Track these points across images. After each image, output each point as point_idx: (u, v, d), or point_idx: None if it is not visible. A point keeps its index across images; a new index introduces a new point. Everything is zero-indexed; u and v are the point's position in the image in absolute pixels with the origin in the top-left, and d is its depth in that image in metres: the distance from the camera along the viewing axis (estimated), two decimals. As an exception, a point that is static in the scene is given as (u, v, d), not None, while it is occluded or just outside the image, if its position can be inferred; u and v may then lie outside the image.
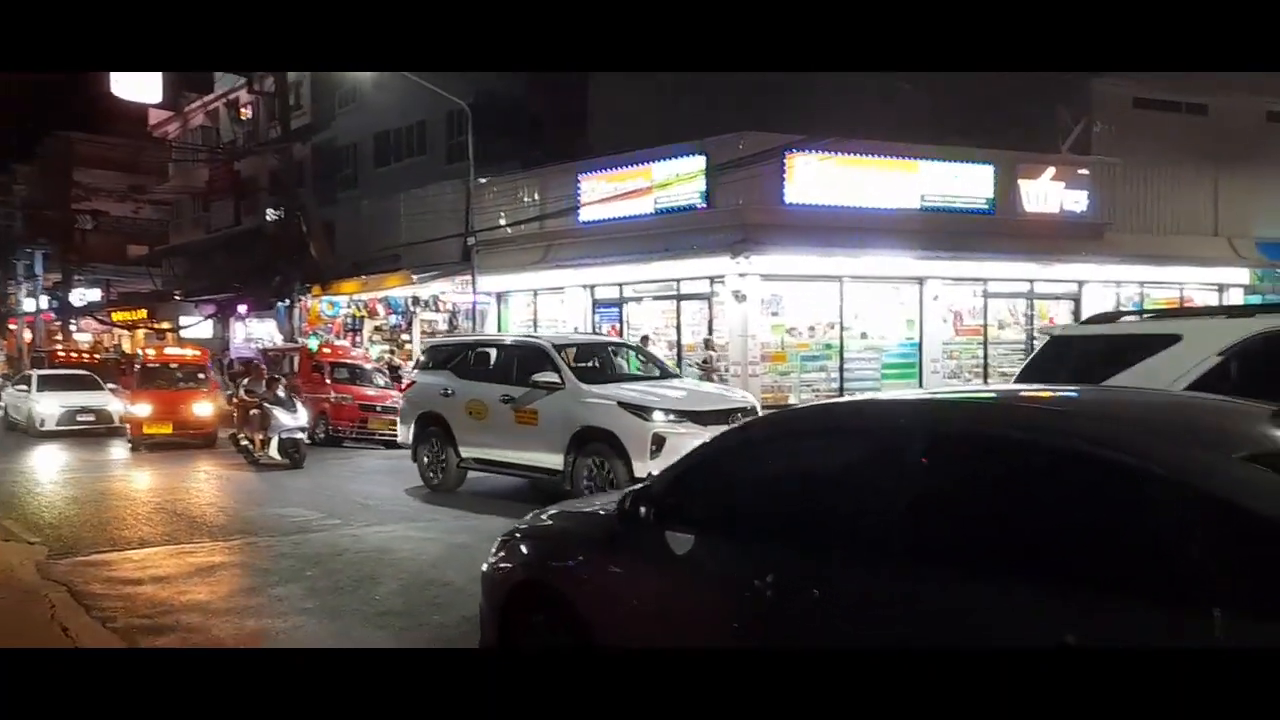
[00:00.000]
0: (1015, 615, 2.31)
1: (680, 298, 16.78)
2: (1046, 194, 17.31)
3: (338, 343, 20.77)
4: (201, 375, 17.38)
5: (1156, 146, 18.81)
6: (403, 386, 13.10)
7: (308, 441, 13.56)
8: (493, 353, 10.74)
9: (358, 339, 22.51)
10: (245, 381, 14.24)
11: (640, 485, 3.55)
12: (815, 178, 15.67)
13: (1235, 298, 19.66)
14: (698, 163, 15.74)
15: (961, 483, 2.69)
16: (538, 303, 19.14)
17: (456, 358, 10.98)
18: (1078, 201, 17.57)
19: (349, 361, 17.83)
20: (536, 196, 18.94)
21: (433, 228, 19.96)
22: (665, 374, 10.89)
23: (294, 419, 12.96)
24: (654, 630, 3.17)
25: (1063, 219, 17.43)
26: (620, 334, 17.41)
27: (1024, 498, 2.55)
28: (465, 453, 10.27)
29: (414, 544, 7.79)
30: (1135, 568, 2.20)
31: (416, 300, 21.55)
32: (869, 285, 16.47)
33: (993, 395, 3.91)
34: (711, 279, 15.94)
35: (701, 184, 15.75)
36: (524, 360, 10.03)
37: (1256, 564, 2.05)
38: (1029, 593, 2.33)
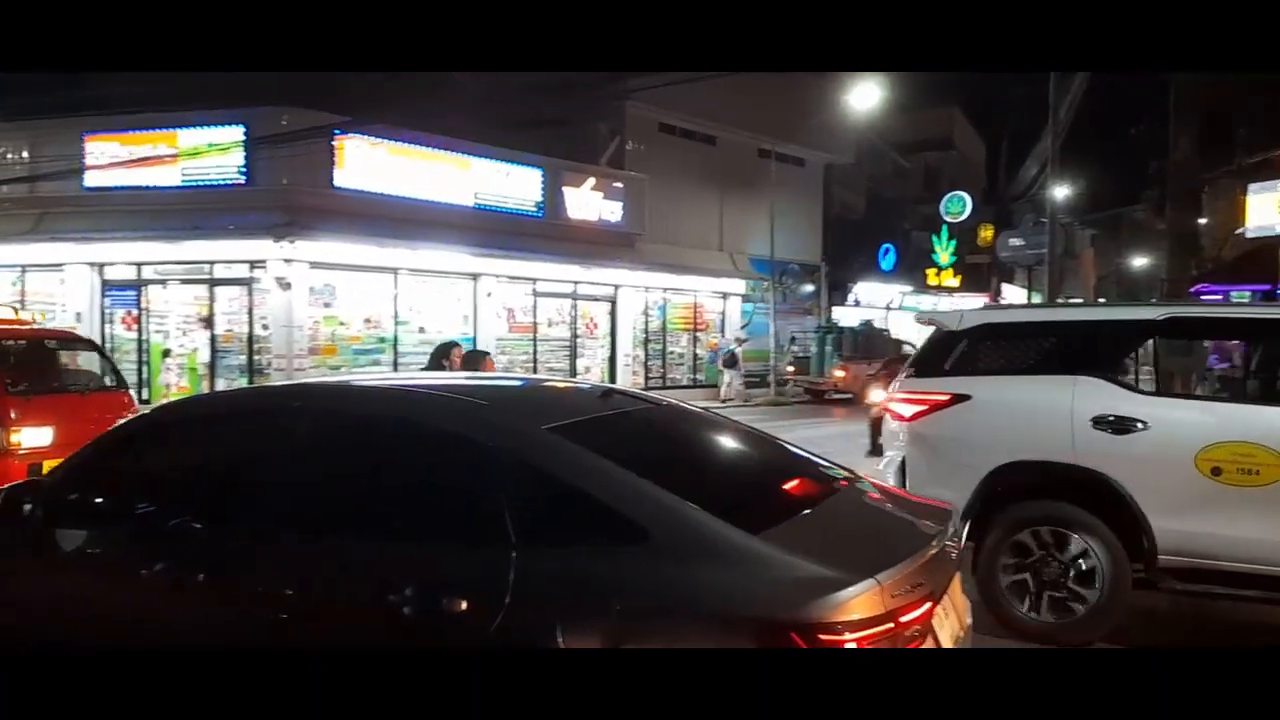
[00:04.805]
0: (381, 569, 2.59)
1: (214, 282, 15.11)
2: (588, 202, 18.78)
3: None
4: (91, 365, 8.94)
5: (677, 168, 21.46)
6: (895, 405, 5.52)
7: None
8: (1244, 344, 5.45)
9: None
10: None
11: (28, 480, 3.38)
12: (367, 164, 15.17)
13: (735, 304, 23.23)
14: (235, 134, 14.30)
15: (340, 458, 2.96)
16: (25, 281, 15.88)
17: (1115, 348, 5.22)
18: (614, 212, 19.34)
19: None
20: (25, 154, 15.72)
21: None
22: None
23: None
24: (50, 629, 3.01)
25: (601, 227, 19.05)
26: (139, 323, 15.19)
27: (389, 467, 2.87)
28: (1175, 550, 4.62)
29: None
30: (473, 521, 2.61)
31: None
32: (425, 279, 16.40)
33: (373, 382, 4.28)
34: (252, 263, 14.60)
35: (240, 158, 14.34)
36: None
37: (539, 506, 2.57)
38: (396, 548, 2.62)
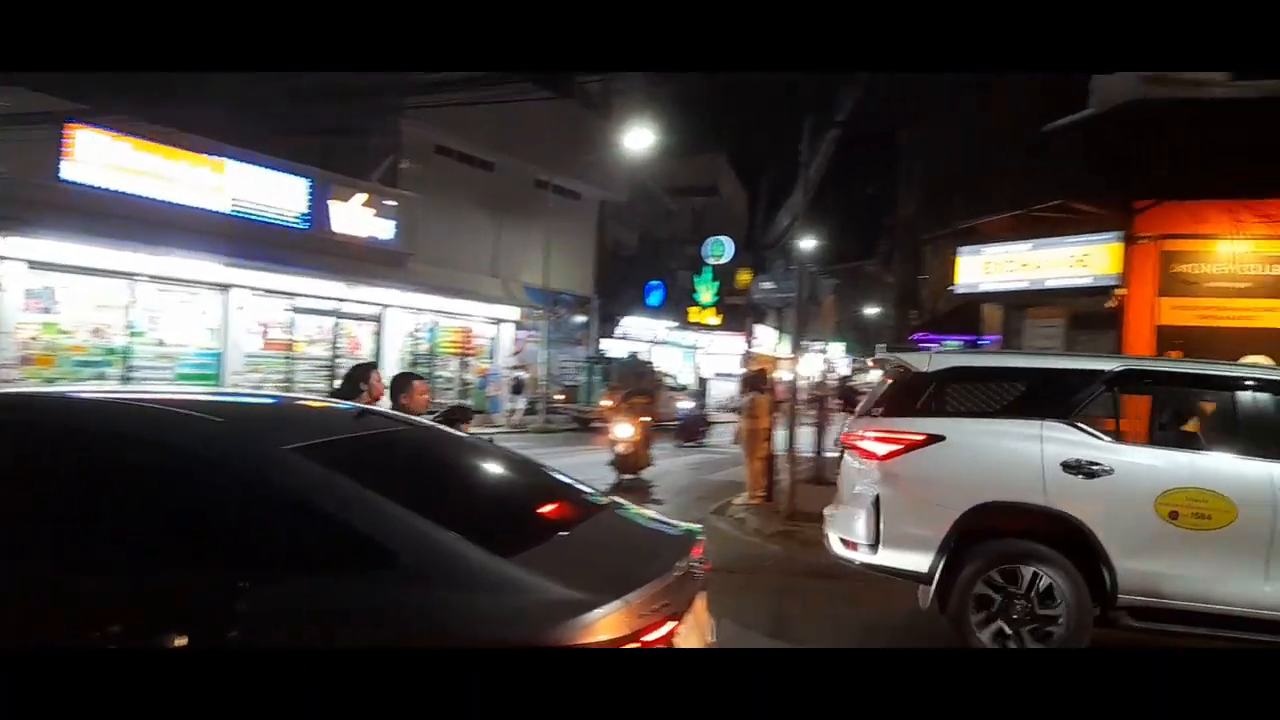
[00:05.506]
0: (88, 601, 2.36)
1: (-101, 277, 12.99)
2: (357, 218, 18.12)
3: None
4: None
5: (453, 191, 21.24)
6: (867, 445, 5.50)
7: None
8: (1227, 396, 5.26)
9: None
10: None
11: None
12: (105, 158, 13.79)
13: (508, 331, 23.23)
14: (-62, 110, 12.45)
15: (51, 477, 2.69)
16: None
17: (1077, 395, 5.23)
18: (385, 230, 18.79)
19: None
20: None
21: None
22: None
23: None
24: None
25: (371, 244, 18.43)
26: None
27: (107, 488, 2.64)
28: (1133, 590, 4.90)
29: None
30: (201, 547, 2.47)
31: None
32: (168, 287, 15.05)
33: (96, 394, 4.00)
34: (-48, 258, 12.75)
35: (-58, 137, 12.49)
36: None
37: (276, 531, 2.44)
38: (108, 578, 2.39)
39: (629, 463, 12.13)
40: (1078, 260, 12.09)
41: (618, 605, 2.26)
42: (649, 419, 12.50)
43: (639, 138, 20.16)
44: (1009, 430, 5.17)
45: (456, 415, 6.37)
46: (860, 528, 5.26)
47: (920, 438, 5.22)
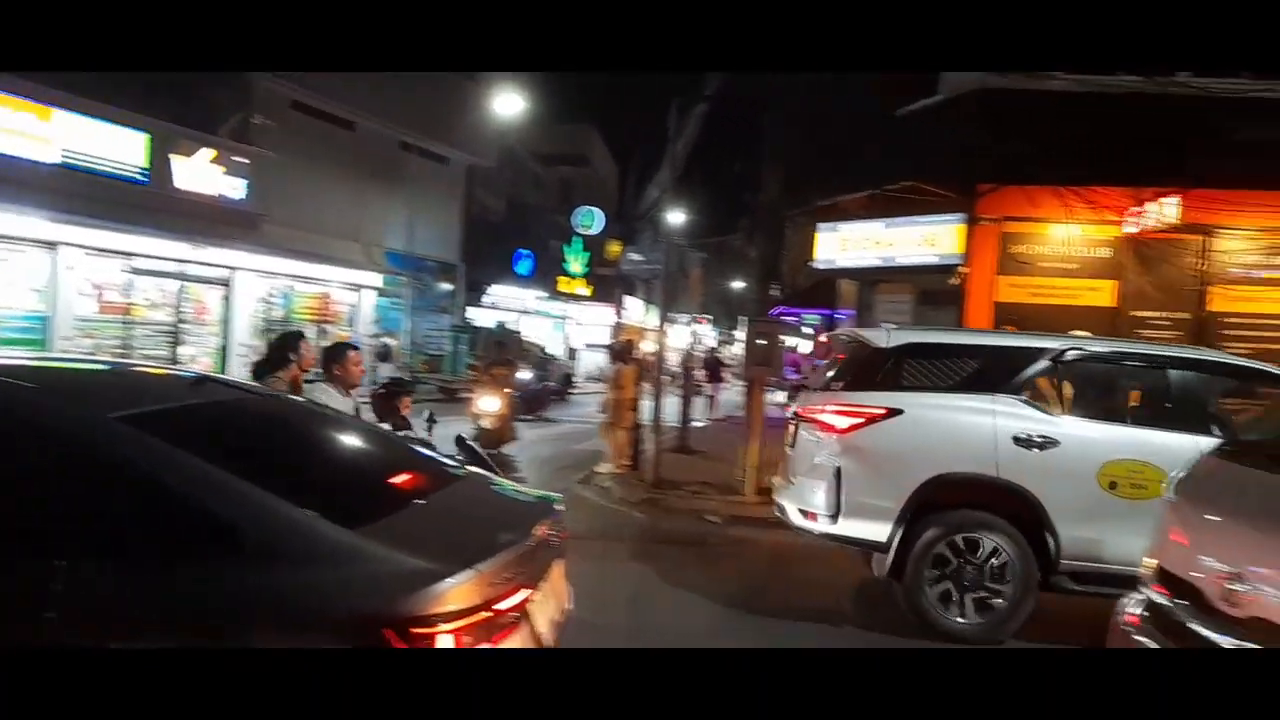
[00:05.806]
0: None
1: None
2: (204, 175, 17.01)
3: None
4: None
5: (311, 150, 20.22)
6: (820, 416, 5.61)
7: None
8: (1147, 374, 5.81)
9: None
10: None
11: None
12: (-94, 97, 12.37)
13: (369, 298, 22.45)
14: None
15: None
16: None
17: (1026, 371, 5.50)
18: (235, 188, 17.72)
19: None
20: None
21: None
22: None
23: None
24: None
25: (220, 204, 17.35)
26: None
27: None
28: (1075, 555, 5.19)
29: None
30: (10, 525, 2.28)
31: None
32: (-16, 244, 13.72)
33: None
34: None
35: None
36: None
37: (101, 506, 2.32)
38: None
39: (493, 437, 11.83)
40: (926, 240, 12.79)
41: (469, 574, 2.26)
42: (511, 390, 12.22)
43: (508, 103, 19.77)
44: (963, 405, 5.39)
45: (395, 389, 6.11)
46: (820, 499, 5.40)
47: (880, 411, 5.39)
